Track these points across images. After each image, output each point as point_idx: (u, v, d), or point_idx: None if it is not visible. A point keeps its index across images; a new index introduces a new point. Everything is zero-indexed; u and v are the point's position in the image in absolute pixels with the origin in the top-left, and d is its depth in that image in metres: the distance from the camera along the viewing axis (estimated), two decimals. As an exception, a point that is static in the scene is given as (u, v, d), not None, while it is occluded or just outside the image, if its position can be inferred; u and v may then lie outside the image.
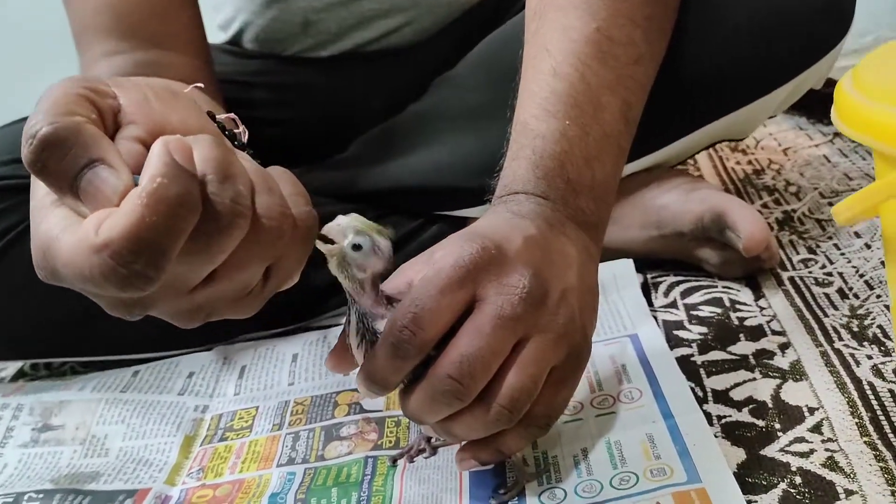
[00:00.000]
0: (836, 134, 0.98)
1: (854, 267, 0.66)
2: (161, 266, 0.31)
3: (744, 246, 0.63)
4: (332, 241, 0.44)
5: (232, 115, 0.44)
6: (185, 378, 0.70)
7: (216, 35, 0.92)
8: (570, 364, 0.46)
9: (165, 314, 0.36)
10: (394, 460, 0.54)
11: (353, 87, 0.85)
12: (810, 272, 0.68)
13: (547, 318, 0.45)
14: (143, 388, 0.68)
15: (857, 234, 0.71)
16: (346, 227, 0.44)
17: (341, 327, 0.71)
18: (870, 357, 0.55)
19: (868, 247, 0.69)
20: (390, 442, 0.56)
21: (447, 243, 0.47)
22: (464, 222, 0.77)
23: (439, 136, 0.74)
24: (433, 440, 0.55)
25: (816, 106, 1.05)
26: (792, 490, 0.45)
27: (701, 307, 0.65)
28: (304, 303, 0.74)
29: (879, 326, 0.58)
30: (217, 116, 0.42)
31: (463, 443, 0.48)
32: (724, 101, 0.67)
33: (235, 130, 0.44)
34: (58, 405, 0.65)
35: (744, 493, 0.44)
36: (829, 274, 0.67)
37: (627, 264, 0.70)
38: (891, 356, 0.54)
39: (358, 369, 0.46)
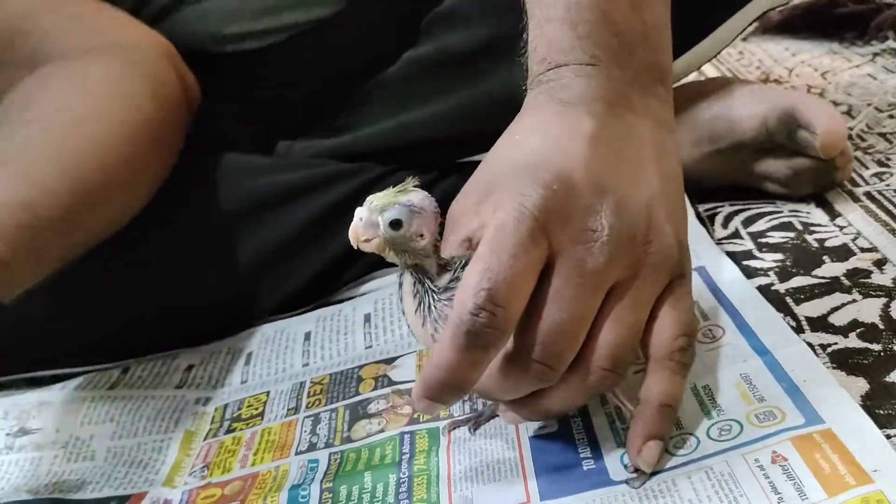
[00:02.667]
0: (876, 53, 0.89)
1: (940, 173, 0.58)
2: None
3: (821, 144, 0.53)
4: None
5: None
6: (184, 371, 0.61)
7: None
8: (677, 286, 0.39)
9: None
10: (453, 426, 0.44)
11: (327, 56, 0.76)
12: (888, 185, 0.59)
13: (638, 254, 0.37)
14: (134, 385, 0.59)
15: (934, 140, 0.63)
16: (370, 214, 0.38)
17: (353, 300, 0.64)
18: None
19: (952, 150, 0.60)
20: (427, 416, 0.47)
21: (496, 184, 0.39)
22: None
23: (452, 81, 0.65)
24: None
25: (847, 28, 0.97)
26: (937, 418, 0.36)
27: (769, 234, 0.56)
28: (316, 282, 0.65)
29: None
30: None
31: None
32: None
33: None
34: (36, 407, 0.56)
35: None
36: (911, 183, 0.58)
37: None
38: None
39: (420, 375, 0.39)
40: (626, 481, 0.38)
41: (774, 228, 0.57)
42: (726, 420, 0.39)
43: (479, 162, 0.67)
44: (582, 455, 0.40)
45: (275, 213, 0.65)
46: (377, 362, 0.54)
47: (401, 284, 0.40)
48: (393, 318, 0.59)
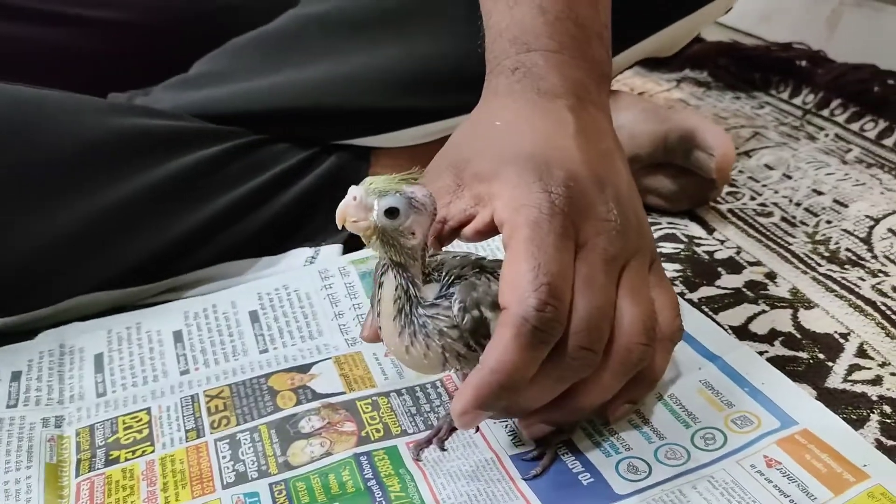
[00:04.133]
0: (679, 80, 0.99)
1: (785, 197, 0.65)
2: None
3: (717, 165, 0.58)
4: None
5: None
6: (10, 382, 0.48)
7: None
8: (656, 268, 0.41)
9: None
10: (418, 450, 0.40)
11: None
12: (744, 205, 0.65)
13: (634, 239, 0.39)
14: (-55, 405, 0.46)
15: (769, 167, 0.71)
16: (367, 195, 0.35)
17: (226, 292, 0.55)
18: (861, 279, 0.53)
19: (788, 177, 0.68)
20: (378, 432, 0.42)
21: (491, 172, 0.38)
22: (366, 151, 0.63)
23: (346, 45, 0.59)
24: None
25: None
26: (889, 420, 0.41)
27: (661, 244, 0.60)
28: (164, 257, 0.55)
29: (848, 249, 0.56)
30: None
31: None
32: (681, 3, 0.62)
33: None
34: None
35: (839, 432, 0.39)
36: (764, 205, 0.65)
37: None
38: (877, 276, 0.53)
39: (461, 385, 0.35)
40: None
41: (663, 239, 0.60)
42: (706, 428, 0.40)
43: (358, 147, 0.62)
44: (574, 469, 0.39)
45: (109, 169, 0.53)
46: (287, 370, 0.47)
47: (380, 284, 0.36)
48: (289, 317, 0.52)
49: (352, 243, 0.62)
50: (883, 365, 0.44)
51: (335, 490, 0.39)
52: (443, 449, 0.41)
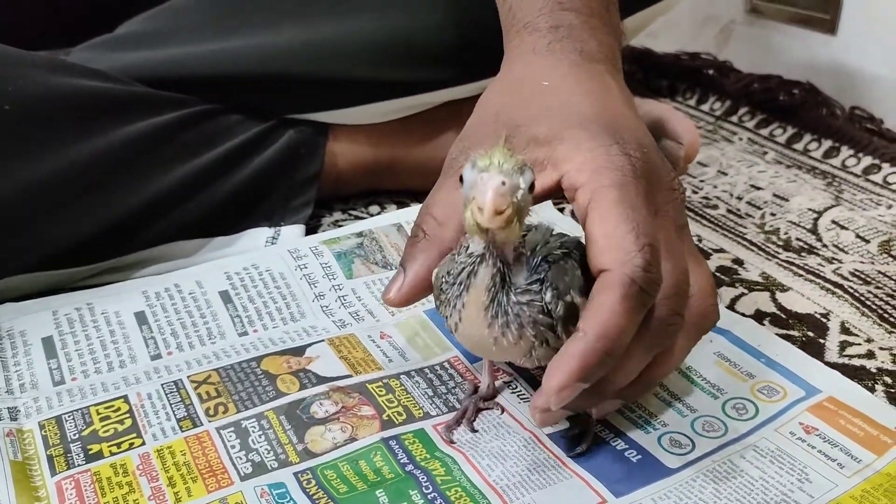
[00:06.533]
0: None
1: (725, 191, 0.68)
2: None
3: (686, 153, 0.59)
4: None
5: None
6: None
7: None
8: None
9: None
10: (449, 432, 0.37)
11: None
12: (689, 198, 0.67)
13: (684, 210, 0.38)
14: None
15: (702, 164, 0.74)
16: (513, 175, 0.30)
17: (186, 271, 0.49)
18: (821, 265, 0.56)
19: (723, 173, 0.71)
20: (400, 415, 0.39)
21: (553, 133, 0.36)
22: (324, 126, 0.59)
23: (315, 10, 0.55)
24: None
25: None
26: (893, 389, 0.42)
27: (625, 231, 0.60)
28: (111, 234, 0.49)
29: (798, 239, 0.59)
30: None
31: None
32: None
33: None
34: None
35: (851, 401, 0.40)
36: (707, 198, 0.67)
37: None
38: (833, 263, 0.56)
39: (552, 362, 0.32)
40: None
41: (626, 227, 0.61)
42: (735, 398, 0.40)
43: (316, 122, 0.58)
44: (618, 447, 0.37)
45: (51, 133, 0.47)
46: (280, 353, 0.43)
47: (473, 273, 0.32)
48: (265, 298, 0.47)
49: (312, 224, 0.58)
50: (869, 341, 0.47)
51: (372, 477, 0.35)
52: (473, 430, 0.38)
